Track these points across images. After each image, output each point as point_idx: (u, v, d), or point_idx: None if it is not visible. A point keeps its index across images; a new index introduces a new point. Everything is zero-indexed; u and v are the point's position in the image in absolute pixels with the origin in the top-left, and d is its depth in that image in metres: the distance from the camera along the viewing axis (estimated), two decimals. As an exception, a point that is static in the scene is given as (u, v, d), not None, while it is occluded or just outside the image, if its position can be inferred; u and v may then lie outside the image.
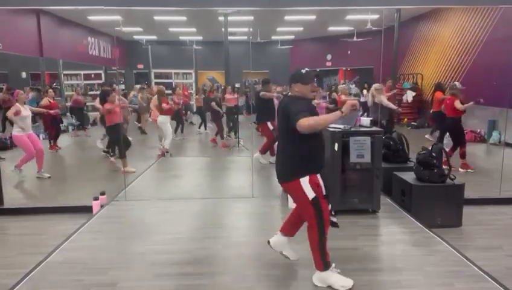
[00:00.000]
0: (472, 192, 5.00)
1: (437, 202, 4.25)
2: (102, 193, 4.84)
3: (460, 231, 4.20)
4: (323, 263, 2.92)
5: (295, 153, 2.87)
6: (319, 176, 2.91)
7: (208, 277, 3.09)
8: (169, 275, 3.11)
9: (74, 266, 3.25)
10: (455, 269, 3.16)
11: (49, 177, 6.43)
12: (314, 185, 2.84)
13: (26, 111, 6.32)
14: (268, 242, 3.24)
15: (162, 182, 6.34)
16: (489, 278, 3.01)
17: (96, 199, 4.68)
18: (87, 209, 4.64)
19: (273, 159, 6.86)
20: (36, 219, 4.60)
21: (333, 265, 2.97)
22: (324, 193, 2.91)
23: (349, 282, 2.91)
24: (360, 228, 4.02)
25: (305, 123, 2.64)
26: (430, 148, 4.61)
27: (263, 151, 7.18)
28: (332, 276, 2.93)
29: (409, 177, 4.53)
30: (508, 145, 8.13)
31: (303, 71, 2.98)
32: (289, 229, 3.20)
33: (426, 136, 9.49)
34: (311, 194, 2.83)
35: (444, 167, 4.47)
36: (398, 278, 3.04)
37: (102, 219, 4.40)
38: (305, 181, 2.83)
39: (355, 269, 3.14)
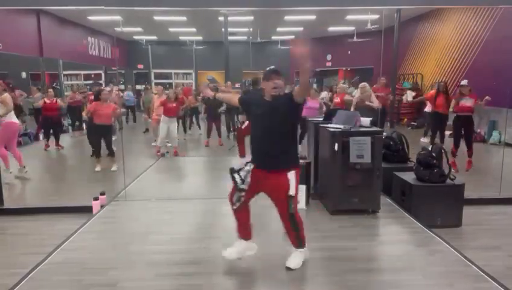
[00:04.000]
0: (472, 192, 5.00)
1: (437, 202, 4.25)
2: (102, 193, 4.84)
3: (460, 231, 4.20)
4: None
5: (290, 146, 3.01)
6: None
7: (207, 277, 3.09)
8: (169, 275, 3.11)
9: (74, 266, 3.25)
10: (455, 269, 3.16)
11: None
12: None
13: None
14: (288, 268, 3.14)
15: (162, 182, 6.33)
16: (489, 278, 3.01)
17: (96, 199, 4.68)
18: (87, 209, 4.63)
19: None
20: (36, 219, 4.60)
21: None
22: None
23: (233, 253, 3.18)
24: (360, 228, 4.02)
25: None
26: (430, 148, 4.61)
27: None
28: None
29: (409, 177, 4.53)
30: (508, 145, 8.12)
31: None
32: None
33: (423, 139, 9.48)
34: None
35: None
36: (398, 278, 3.04)
37: (102, 219, 4.40)
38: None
39: (355, 269, 3.14)
